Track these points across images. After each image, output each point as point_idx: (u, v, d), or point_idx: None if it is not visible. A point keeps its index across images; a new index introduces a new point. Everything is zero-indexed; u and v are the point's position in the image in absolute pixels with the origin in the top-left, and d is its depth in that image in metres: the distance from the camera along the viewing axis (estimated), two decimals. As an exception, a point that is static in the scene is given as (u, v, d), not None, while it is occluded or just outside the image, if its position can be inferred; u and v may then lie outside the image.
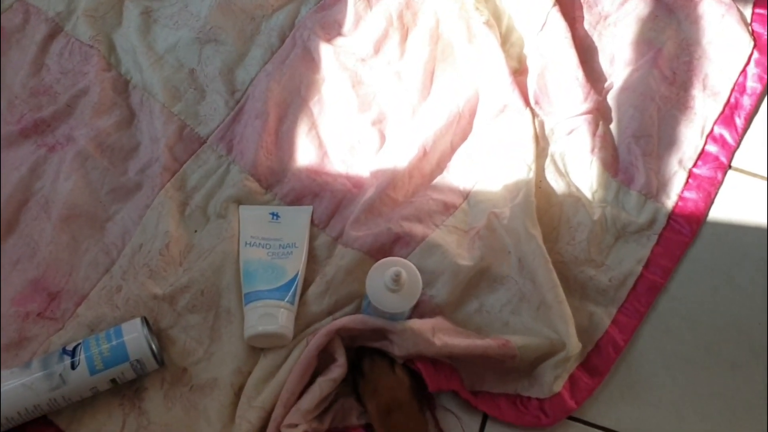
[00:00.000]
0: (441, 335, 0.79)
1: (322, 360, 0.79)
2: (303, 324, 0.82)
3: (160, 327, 0.81)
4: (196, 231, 0.87)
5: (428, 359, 0.79)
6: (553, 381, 0.80)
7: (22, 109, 0.92)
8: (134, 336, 0.76)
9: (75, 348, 0.76)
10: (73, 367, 0.74)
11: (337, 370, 0.78)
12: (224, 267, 0.83)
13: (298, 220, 0.87)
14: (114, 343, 0.76)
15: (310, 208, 0.89)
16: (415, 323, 0.79)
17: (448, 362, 0.80)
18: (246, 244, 0.85)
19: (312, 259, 0.86)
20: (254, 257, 0.84)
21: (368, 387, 0.78)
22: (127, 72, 0.95)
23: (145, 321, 0.78)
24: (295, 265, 0.84)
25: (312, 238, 0.87)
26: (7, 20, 0.97)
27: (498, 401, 0.81)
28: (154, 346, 0.77)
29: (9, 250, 0.84)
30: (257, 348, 0.81)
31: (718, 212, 0.92)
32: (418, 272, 0.77)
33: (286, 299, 0.81)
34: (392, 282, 0.74)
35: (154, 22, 0.98)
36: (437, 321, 0.82)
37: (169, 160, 0.89)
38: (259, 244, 0.85)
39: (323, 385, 0.77)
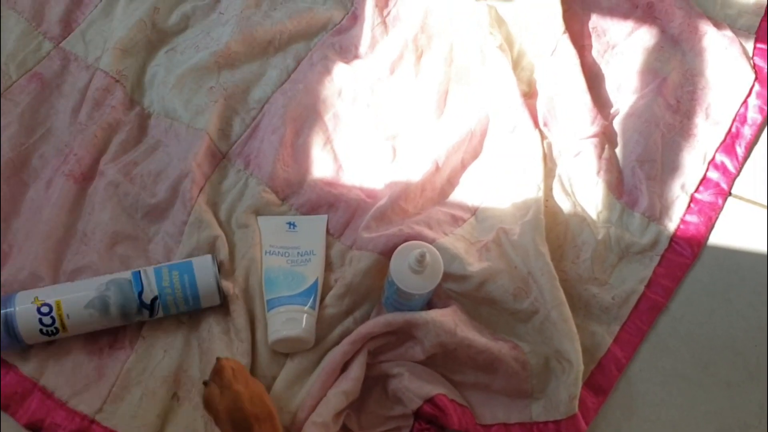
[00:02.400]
0: (462, 327, 0.82)
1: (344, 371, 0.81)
2: (325, 326, 0.84)
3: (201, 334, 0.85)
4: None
5: (447, 399, 0.80)
6: (568, 401, 0.81)
7: (68, 153, 0.93)
8: (206, 277, 0.82)
9: (153, 302, 0.81)
10: (151, 315, 0.82)
11: (350, 383, 0.79)
12: (252, 273, 0.86)
13: (314, 228, 0.90)
14: (189, 294, 0.82)
15: (325, 216, 0.92)
16: (437, 314, 0.81)
17: (460, 401, 0.82)
18: (266, 252, 0.88)
19: (328, 267, 0.89)
20: (275, 265, 0.87)
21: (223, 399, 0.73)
22: (150, 104, 0.97)
23: (214, 259, 0.85)
24: (315, 271, 0.87)
25: (327, 247, 0.90)
26: (45, 68, 0.98)
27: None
28: (220, 286, 0.83)
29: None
30: (280, 353, 0.83)
31: (718, 237, 0.95)
32: (440, 256, 0.80)
33: (308, 304, 0.83)
34: (416, 263, 0.77)
35: (178, 54, 1.01)
36: (455, 311, 0.84)
37: (199, 175, 0.91)
38: (279, 252, 0.88)
39: (333, 399, 0.78)
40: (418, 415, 0.80)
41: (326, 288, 0.87)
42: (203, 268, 0.83)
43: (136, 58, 1.00)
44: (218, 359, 0.75)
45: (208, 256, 0.84)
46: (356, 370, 0.80)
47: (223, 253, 0.86)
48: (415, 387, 0.80)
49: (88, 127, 0.94)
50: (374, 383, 0.82)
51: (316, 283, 0.86)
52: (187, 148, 0.93)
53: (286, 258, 0.87)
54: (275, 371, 0.82)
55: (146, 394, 0.79)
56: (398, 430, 0.81)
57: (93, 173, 0.92)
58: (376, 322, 0.81)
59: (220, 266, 0.85)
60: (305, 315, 0.82)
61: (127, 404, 0.79)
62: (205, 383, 0.75)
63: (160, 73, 0.99)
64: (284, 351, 0.83)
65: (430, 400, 0.79)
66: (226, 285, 0.84)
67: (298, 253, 0.88)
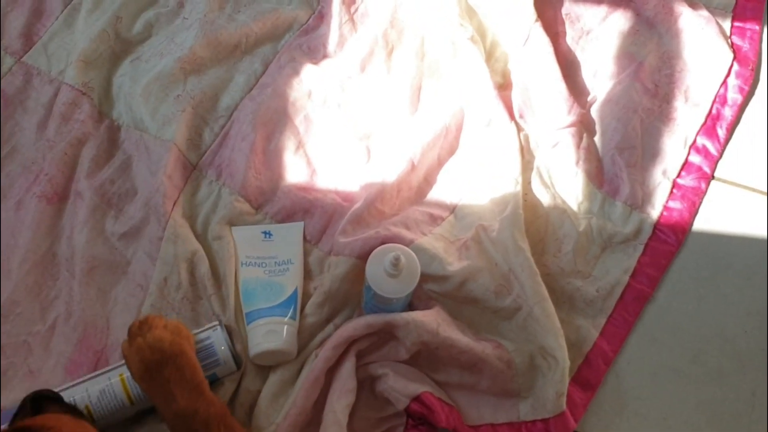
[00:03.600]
0: (445, 326, 0.80)
1: (328, 378, 0.80)
2: (306, 335, 0.83)
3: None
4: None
5: (433, 397, 0.79)
6: (556, 398, 0.79)
7: (37, 170, 0.91)
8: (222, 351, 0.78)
9: None
10: None
11: (351, 394, 0.78)
12: (229, 287, 0.84)
13: (290, 236, 0.88)
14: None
15: (301, 223, 0.90)
16: (418, 314, 0.80)
17: (446, 400, 0.80)
18: (243, 264, 0.86)
19: (306, 275, 0.87)
20: (252, 276, 0.85)
21: None
22: (119, 116, 0.95)
23: (222, 325, 0.80)
24: (293, 280, 0.85)
25: (305, 254, 0.88)
26: (7, 84, 0.96)
27: None
28: (234, 353, 0.79)
29: (46, 316, 0.84)
30: (262, 366, 0.81)
31: (703, 222, 0.93)
32: (416, 258, 0.78)
33: (288, 315, 0.81)
34: (391, 267, 0.75)
35: (143, 62, 0.99)
36: (438, 312, 0.82)
37: (170, 188, 0.89)
38: (255, 263, 0.86)
39: (341, 416, 0.76)
40: (408, 414, 0.79)
41: (306, 296, 0.85)
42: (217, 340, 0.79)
43: (100, 69, 0.98)
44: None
45: (217, 327, 0.80)
46: (352, 380, 0.79)
47: (204, 267, 0.84)
48: (401, 386, 0.78)
49: (56, 144, 0.92)
50: (361, 386, 0.80)
51: (295, 292, 0.84)
52: (157, 161, 0.91)
53: (263, 269, 0.85)
54: (259, 385, 0.80)
55: None
56: (393, 429, 0.80)
57: (67, 193, 0.91)
58: (357, 324, 0.80)
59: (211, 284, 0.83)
60: (285, 326, 0.80)
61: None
62: None
63: (126, 83, 0.96)
64: (266, 364, 0.81)
65: (417, 399, 0.78)
66: (239, 349, 0.81)
67: (276, 263, 0.86)
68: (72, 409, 0.70)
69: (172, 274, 0.84)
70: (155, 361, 0.70)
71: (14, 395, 0.78)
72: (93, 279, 0.85)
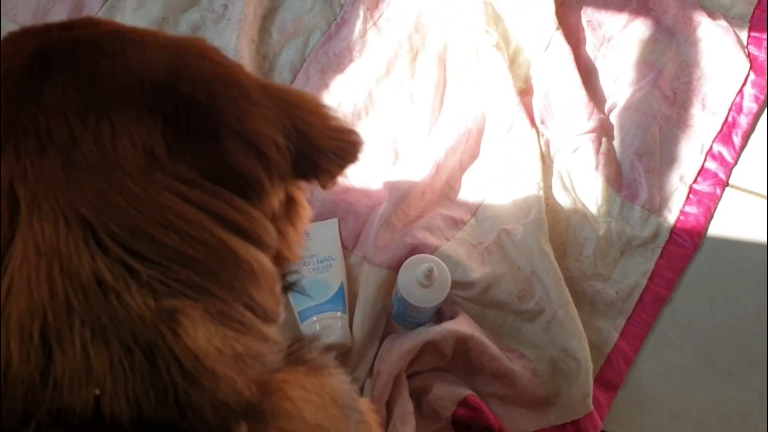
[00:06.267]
0: (477, 333, 0.84)
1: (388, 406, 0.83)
2: (355, 356, 0.85)
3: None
4: None
5: (478, 398, 0.82)
6: (582, 399, 0.83)
7: None
8: None
9: None
10: None
11: (412, 419, 0.81)
12: None
13: (327, 233, 0.92)
14: None
15: (335, 220, 0.93)
16: (452, 324, 0.84)
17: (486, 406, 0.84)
18: None
19: (350, 277, 0.90)
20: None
21: None
22: None
23: None
24: (338, 276, 0.88)
25: (345, 258, 0.91)
26: None
27: None
28: None
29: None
30: None
31: (717, 227, 0.97)
32: (446, 268, 0.82)
33: (339, 310, 0.86)
34: (424, 278, 0.79)
35: None
36: (468, 319, 0.86)
37: None
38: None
39: None
40: (454, 422, 0.82)
41: (351, 290, 0.89)
42: None
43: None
44: None
45: None
46: (409, 404, 0.81)
47: None
48: (446, 393, 0.82)
49: None
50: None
51: (341, 287, 0.88)
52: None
53: (307, 267, 0.89)
54: None
55: None
56: None
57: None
58: (401, 355, 0.82)
59: None
60: (339, 321, 0.85)
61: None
62: None
63: None
64: None
65: (463, 402, 0.81)
66: None
67: (317, 260, 0.89)
68: None
69: None
70: None
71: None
72: None
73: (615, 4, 1.06)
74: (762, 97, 1.02)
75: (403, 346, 0.83)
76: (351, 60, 1.03)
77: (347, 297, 0.88)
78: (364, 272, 0.89)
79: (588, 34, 1.05)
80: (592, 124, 0.99)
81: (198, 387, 0.37)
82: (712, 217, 0.97)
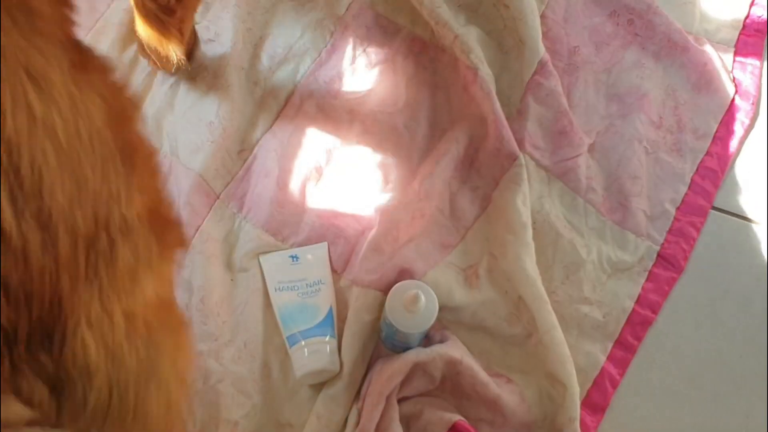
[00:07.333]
0: (467, 357, 0.86)
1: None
2: (344, 377, 0.86)
3: (209, 384, 0.86)
4: (232, 280, 0.92)
5: (466, 423, 0.84)
6: (569, 423, 0.84)
7: None
8: None
9: None
10: None
11: None
12: (258, 319, 0.89)
13: (316, 258, 0.93)
14: None
15: (325, 244, 0.94)
16: (442, 347, 0.85)
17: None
18: (276, 290, 0.90)
19: (339, 301, 0.91)
20: (286, 301, 0.90)
21: None
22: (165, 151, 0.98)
23: None
24: (327, 300, 0.90)
25: (334, 282, 0.92)
26: None
27: None
28: None
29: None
30: (304, 401, 0.86)
31: (703, 251, 0.98)
32: (434, 293, 0.83)
33: (328, 334, 0.87)
34: (411, 303, 0.80)
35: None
36: (456, 342, 0.88)
37: (192, 216, 0.93)
38: (288, 287, 0.90)
39: None
40: None
41: (340, 314, 0.90)
42: None
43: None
44: None
45: None
46: (399, 428, 0.83)
47: (218, 295, 0.89)
48: (436, 418, 0.84)
49: None
50: None
51: (330, 311, 0.89)
52: (182, 188, 0.95)
53: (297, 291, 0.90)
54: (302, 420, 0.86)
55: None
56: None
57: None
58: (391, 377, 0.84)
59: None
60: (327, 345, 0.86)
61: None
62: None
63: (169, 114, 1.00)
64: (312, 382, 0.87)
65: (453, 428, 0.83)
66: None
67: (306, 284, 0.91)
68: None
69: (183, 300, 0.88)
70: None
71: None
72: None
73: (601, 30, 1.08)
74: (747, 121, 1.04)
75: (393, 366, 0.84)
76: (341, 85, 1.04)
77: (336, 321, 0.89)
78: (353, 295, 0.91)
79: (574, 59, 1.07)
80: (579, 148, 1.00)
81: None
82: (698, 240, 0.99)
